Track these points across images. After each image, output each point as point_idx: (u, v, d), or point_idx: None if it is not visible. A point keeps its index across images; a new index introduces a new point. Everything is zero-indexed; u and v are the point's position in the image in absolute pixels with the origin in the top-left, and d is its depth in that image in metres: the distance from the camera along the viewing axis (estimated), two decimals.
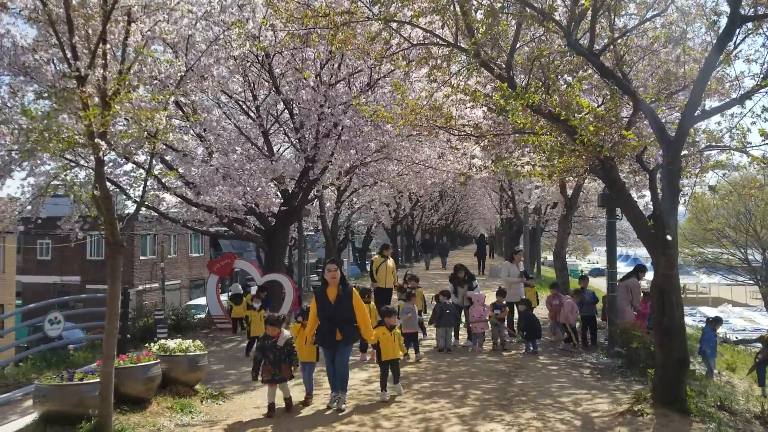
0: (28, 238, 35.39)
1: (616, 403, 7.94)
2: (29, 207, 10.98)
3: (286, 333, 7.77)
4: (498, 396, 8.37)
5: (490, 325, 11.46)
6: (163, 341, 8.70)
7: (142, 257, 37.20)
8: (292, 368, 7.68)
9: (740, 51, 8.58)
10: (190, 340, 8.71)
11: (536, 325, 11.37)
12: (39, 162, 9.25)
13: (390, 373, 8.25)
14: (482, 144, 11.21)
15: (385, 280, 13.22)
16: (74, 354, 12.05)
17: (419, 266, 33.10)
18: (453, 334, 11.61)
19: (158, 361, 7.93)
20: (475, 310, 11.39)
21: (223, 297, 15.58)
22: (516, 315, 12.35)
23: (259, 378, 7.72)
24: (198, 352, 8.48)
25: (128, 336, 11.48)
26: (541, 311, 14.13)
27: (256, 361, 7.68)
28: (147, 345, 8.79)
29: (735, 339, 22.61)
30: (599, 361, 10.63)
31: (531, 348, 11.11)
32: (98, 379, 6.76)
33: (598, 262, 71.17)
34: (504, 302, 11.65)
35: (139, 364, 7.65)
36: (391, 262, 13.58)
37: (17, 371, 10.77)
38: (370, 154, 16.36)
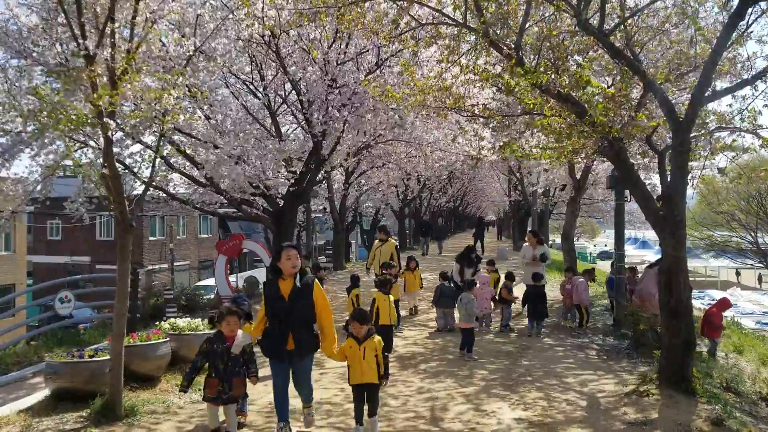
0: (38, 218, 35.64)
1: (622, 384, 7.97)
2: (38, 187, 11.04)
3: (241, 335, 6.03)
4: (504, 376, 8.42)
5: (493, 306, 11.53)
6: (172, 320, 8.79)
7: (151, 238, 37.42)
8: (249, 381, 6.05)
9: (752, 31, 8.48)
10: (199, 319, 8.79)
11: (540, 304, 11.36)
12: (47, 142, 9.29)
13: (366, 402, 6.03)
14: (491, 125, 11.17)
15: (379, 267, 11.96)
16: (84, 333, 12.19)
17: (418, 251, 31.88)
18: (455, 315, 11.66)
19: (168, 339, 8.02)
20: (480, 292, 11.42)
21: (232, 278, 15.65)
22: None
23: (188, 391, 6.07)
24: (207, 331, 8.56)
25: (138, 315, 11.61)
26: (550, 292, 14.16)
27: (193, 368, 5.88)
28: (157, 324, 8.88)
29: None
30: (605, 342, 10.66)
31: (536, 328, 11.15)
32: (108, 357, 6.85)
33: (606, 245, 71.03)
34: (512, 285, 11.77)
35: (148, 343, 7.75)
36: (388, 246, 12.56)
37: (29, 349, 10.92)
38: (379, 135, 16.31)
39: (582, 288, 11.73)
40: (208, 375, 5.80)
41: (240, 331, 6.02)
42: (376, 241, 13.09)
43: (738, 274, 52.87)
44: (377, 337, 6.00)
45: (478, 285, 11.56)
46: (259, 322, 5.95)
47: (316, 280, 5.97)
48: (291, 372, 5.87)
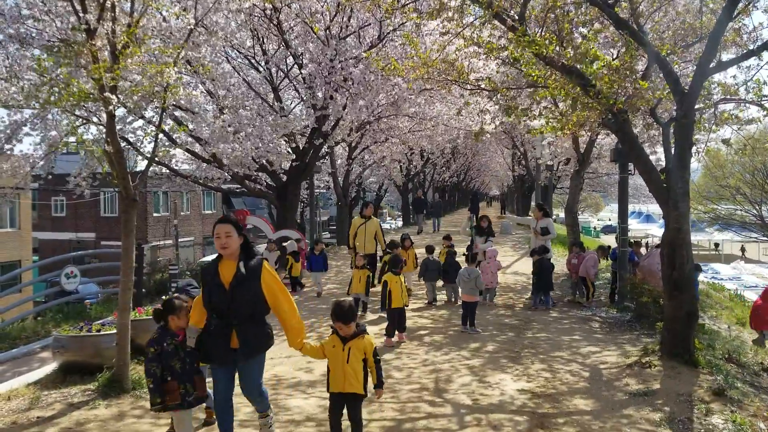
0: (43, 195, 35.74)
1: (625, 356, 8.02)
2: (41, 163, 11.07)
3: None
4: (508, 348, 8.48)
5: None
6: (177, 294, 8.83)
7: (155, 214, 37.53)
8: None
9: (759, 1, 8.38)
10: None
11: (545, 276, 11.40)
12: (50, 120, 9.33)
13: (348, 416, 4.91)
14: (495, 98, 11.09)
15: (364, 245, 11.86)
16: (90, 308, 12.30)
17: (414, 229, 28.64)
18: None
19: None
20: (487, 266, 11.48)
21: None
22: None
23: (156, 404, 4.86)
24: None
25: (143, 290, 11.69)
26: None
27: (155, 380, 4.82)
28: (163, 299, 8.93)
29: None
30: (609, 315, 10.71)
31: (540, 301, 11.22)
32: (115, 331, 6.91)
33: (610, 219, 71.00)
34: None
35: None
36: (372, 224, 12.12)
37: (36, 324, 11.03)
38: (381, 109, 16.26)
39: (591, 263, 11.74)
40: (162, 380, 4.83)
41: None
42: (357, 218, 12.38)
43: (717, 245, 53.44)
44: (367, 337, 4.85)
45: (485, 259, 11.65)
46: (196, 312, 4.90)
47: (266, 261, 4.90)
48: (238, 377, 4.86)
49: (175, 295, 5.25)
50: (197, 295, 5.37)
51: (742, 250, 51.95)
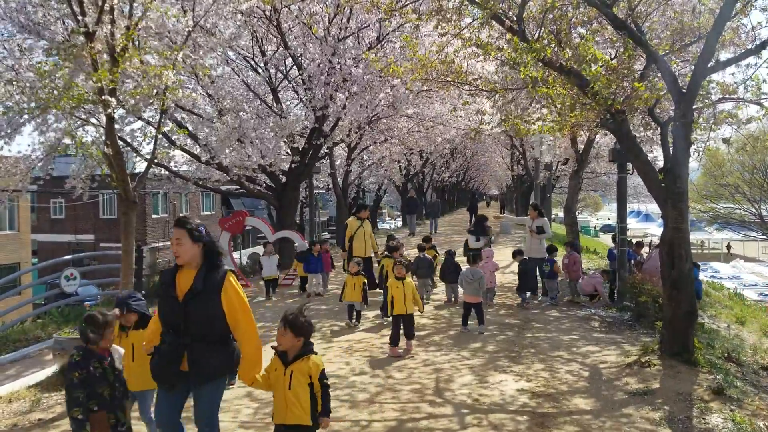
0: (42, 197, 35.71)
1: (624, 355, 8.04)
2: (40, 164, 11.06)
3: (114, 347, 4.61)
4: (508, 348, 8.49)
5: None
6: (101, 309, 8.82)
7: (154, 216, 37.52)
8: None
9: (757, 0, 8.38)
10: None
11: (528, 277, 11.54)
12: (50, 121, 9.32)
13: None
14: (493, 99, 11.10)
15: (364, 248, 11.73)
16: (90, 310, 12.30)
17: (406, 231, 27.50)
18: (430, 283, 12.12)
19: None
20: (485, 265, 11.49)
21: (236, 255, 15.70)
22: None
23: None
24: None
25: (143, 292, 11.68)
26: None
27: (76, 401, 4.15)
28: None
29: None
30: (608, 314, 10.72)
31: (524, 300, 11.32)
32: None
33: (609, 219, 71.02)
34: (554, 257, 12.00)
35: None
36: (368, 226, 11.98)
37: (36, 326, 11.03)
38: (380, 110, 16.28)
39: (600, 287, 11.88)
40: (92, 408, 4.19)
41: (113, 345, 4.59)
42: (353, 220, 11.93)
43: (702, 243, 53.76)
44: (314, 358, 4.17)
45: (483, 258, 11.67)
46: (152, 327, 4.32)
47: (230, 272, 4.24)
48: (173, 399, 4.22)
49: (98, 309, 4.49)
50: (139, 308, 5.05)
51: (728, 247, 52.07)
